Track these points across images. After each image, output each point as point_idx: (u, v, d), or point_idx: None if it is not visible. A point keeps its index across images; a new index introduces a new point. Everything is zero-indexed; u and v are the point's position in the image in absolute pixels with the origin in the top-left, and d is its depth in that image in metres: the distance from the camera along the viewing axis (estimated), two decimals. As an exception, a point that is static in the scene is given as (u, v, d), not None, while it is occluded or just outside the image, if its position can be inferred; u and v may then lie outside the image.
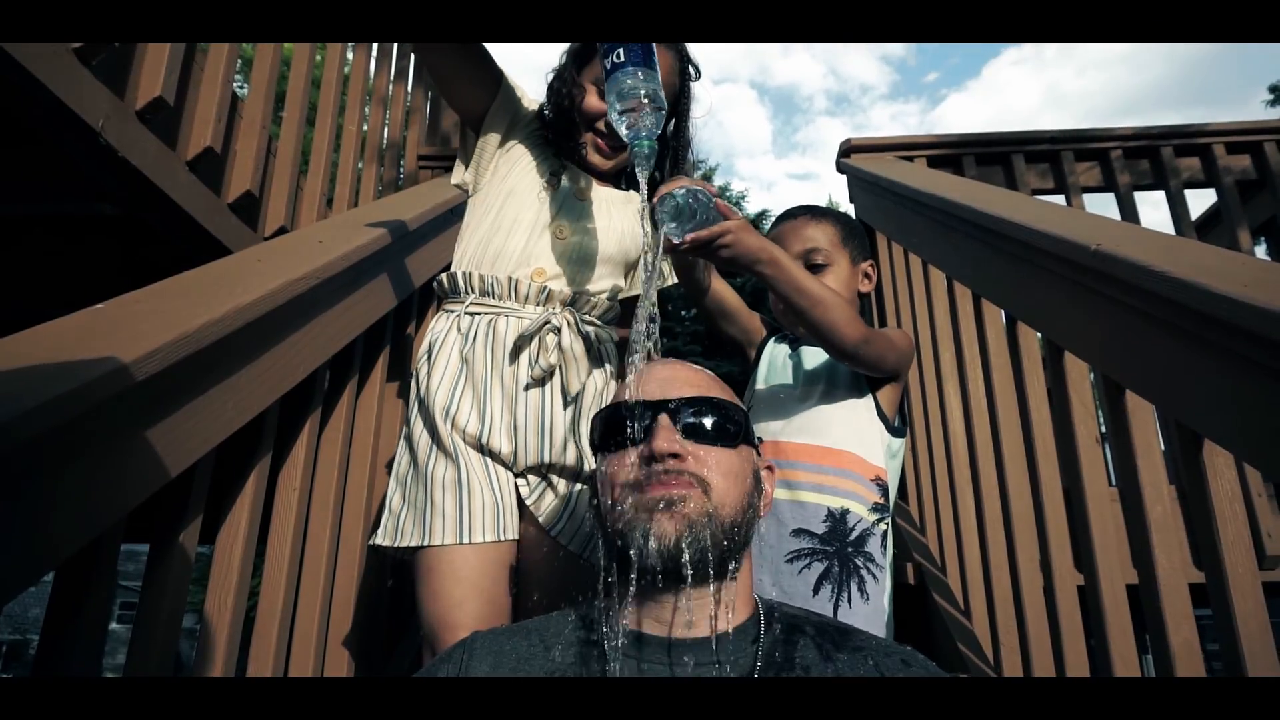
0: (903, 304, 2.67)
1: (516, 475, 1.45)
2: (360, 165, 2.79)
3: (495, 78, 1.55)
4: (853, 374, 1.51)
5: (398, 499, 1.44)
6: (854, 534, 1.40)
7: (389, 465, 1.75)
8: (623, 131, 1.27)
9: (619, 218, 1.60)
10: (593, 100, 1.51)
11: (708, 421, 0.97)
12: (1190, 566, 1.49)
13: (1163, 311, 1.10)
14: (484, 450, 1.42)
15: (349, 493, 1.72)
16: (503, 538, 1.37)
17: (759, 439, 1.37)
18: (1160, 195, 3.00)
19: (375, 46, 3.03)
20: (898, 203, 2.35)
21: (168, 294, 1.17)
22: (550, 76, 1.60)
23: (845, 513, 1.41)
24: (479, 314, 1.48)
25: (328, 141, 2.51)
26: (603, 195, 1.61)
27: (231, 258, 1.44)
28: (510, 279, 1.47)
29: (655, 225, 1.22)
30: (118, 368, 0.90)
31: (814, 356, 1.57)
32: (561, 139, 1.57)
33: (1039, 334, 1.63)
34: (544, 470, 1.45)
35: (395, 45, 3.22)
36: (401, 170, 3.35)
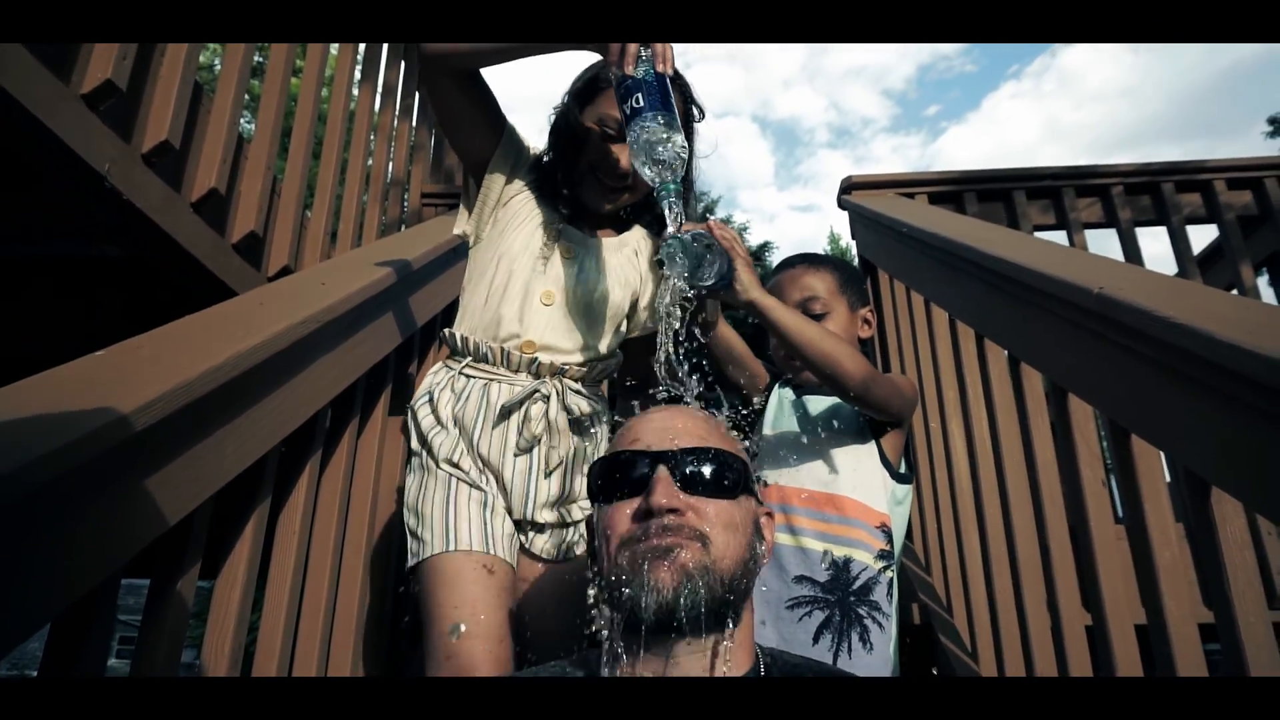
0: (905, 341, 2.67)
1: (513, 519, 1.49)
2: (364, 202, 2.80)
3: (499, 122, 1.56)
4: (857, 420, 1.52)
5: (411, 523, 1.47)
6: (857, 582, 1.39)
7: (398, 497, 1.78)
8: (647, 175, 1.27)
9: (613, 270, 1.60)
10: (596, 141, 1.51)
11: (707, 472, 0.96)
12: (1200, 605, 1.48)
13: (1167, 357, 1.09)
14: (475, 489, 1.45)
15: (349, 533, 1.71)
16: (491, 550, 1.39)
17: (764, 483, 1.36)
18: (1162, 228, 3.00)
19: (381, 83, 3.06)
20: (899, 240, 2.35)
21: (169, 339, 1.17)
22: (552, 116, 1.61)
23: (849, 561, 1.40)
24: (474, 377, 1.51)
25: (332, 178, 2.53)
26: (596, 247, 1.60)
27: (234, 301, 1.44)
28: (503, 349, 1.50)
29: (665, 268, 1.24)
30: (119, 417, 0.90)
31: (818, 403, 1.57)
32: (563, 181, 1.57)
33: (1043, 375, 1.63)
34: (528, 525, 1.50)
35: (400, 82, 3.25)
36: (406, 207, 3.37)
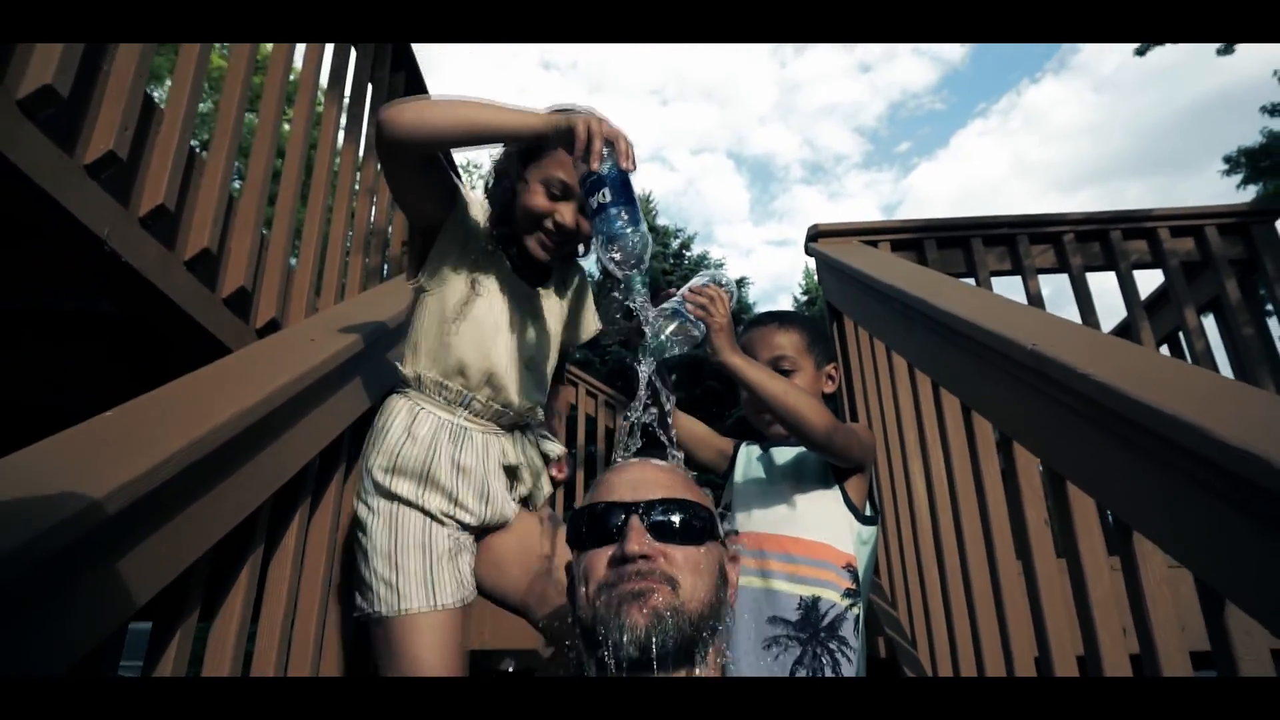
0: (869, 385, 2.78)
1: (476, 530, 1.65)
2: (348, 253, 2.89)
3: (451, 195, 1.62)
4: (820, 467, 1.63)
5: (365, 569, 1.56)
6: (826, 620, 1.50)
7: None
8: (613, 266, 1.34)
9: (552, 319, 1.76)
10: (539, 200, 1.56)
11: (676, 520, 1.08)
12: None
13: (1091, 410, 1.20)
14: (451, 507, 1.60)
15: (336, 575, 1.77)
16: (466, 598, 1.56)
17: (735, 531, 1.48)
18: (1111, 272, 3.16)
19: (364, 138, 3.16)
20: (862, 290, 2.47)
21: (173, 399, 1.25)
22: (489, 178, 1.68)
23: (816, 600, 1.51)
24: (434, 414, 1.62)
25: (317, 231, 2.62)
26: (537, 296, 1.73)
27: (231, 359, 1.52)
28: (461, 393, 1.62)
29: (640, 354, 1.37)
30: (131, 479, 0.98)
31: (783, 454, 1.71)
32: (503, 238, 1.66)
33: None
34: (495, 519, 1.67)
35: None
36: (387, 256, 3.46)
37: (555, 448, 1.80)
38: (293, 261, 2.56)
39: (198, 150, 2.08)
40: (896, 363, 2.55)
